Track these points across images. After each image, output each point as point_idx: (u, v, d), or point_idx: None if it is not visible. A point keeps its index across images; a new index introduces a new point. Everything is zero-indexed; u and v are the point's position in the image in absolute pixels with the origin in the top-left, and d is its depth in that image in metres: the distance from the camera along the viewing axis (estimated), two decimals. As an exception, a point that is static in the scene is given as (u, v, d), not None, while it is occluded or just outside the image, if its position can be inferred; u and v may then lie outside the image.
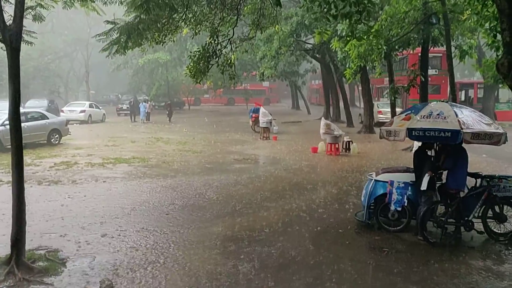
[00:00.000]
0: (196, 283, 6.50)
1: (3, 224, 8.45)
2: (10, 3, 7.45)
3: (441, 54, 28.85)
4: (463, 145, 8.13)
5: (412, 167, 8.78)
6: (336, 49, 19.59)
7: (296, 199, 11.54)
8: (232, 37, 12.73)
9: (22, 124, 7.55)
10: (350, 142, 19.77)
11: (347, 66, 19.42)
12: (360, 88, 32.87)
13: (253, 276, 6.73)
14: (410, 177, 8.70)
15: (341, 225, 9.31)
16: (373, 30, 15.54)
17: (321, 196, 11.87)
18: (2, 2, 7.11)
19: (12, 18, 7.01)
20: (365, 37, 14.36)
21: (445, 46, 19.10)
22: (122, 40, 10.66)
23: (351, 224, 9.37)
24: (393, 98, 22.60)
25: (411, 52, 24.18)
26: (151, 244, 8.10)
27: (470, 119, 8.10)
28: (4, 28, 6.92)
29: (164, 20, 11.25)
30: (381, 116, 29.63)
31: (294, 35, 27.91)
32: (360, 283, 6.59)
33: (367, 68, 25.83)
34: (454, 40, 19.82)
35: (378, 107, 31.43)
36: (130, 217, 9.76)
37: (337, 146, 19.19)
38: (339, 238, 8.60)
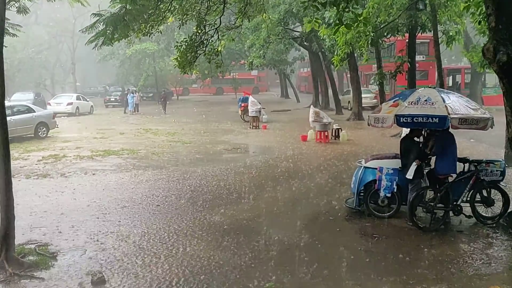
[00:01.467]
0: (191, 275, 6.49)
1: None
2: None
3: (428, 40, 28.93)
4: (451, 130, 8.19)
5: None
6: (324, 36, 19.57)
7: (287, 187, 11.58)
8: (219, 27, 12.66)
9: (8, 118, 7.46)
10: (340, 130, 19.83)
11: (335, 53, 19.40)
12: (349, 75, 32.95)
13: (246, 266, 6.76)
14: (399, 163, 8.75)
15: (332, 212, 9.36)
16: (361, 17, 15.51)
17: (312, 184, 11.91)
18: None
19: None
20: (354, 25, 14.31)
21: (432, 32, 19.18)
22: (108, 32, 10.51)
23: (341, 211, 9.43)
24: (378, 83, 22.69)
25: (399, 38, 24.24)
26: (143, 236, 8.08)
27: (457, 104, 8.16)
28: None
29: (150, 11, 11.13)
30: None
31: (282, 23, 27.77)
32: (351, 269, 6.64)
33: (355, 55, 25.84)
34: (442, 25, 19.87)
35: None
36: (121, 210, 9.73)
37: (326, 133, 19.24)
38: (330, 225, 8.65)
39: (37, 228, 8.45)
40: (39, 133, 21.30)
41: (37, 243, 7.68)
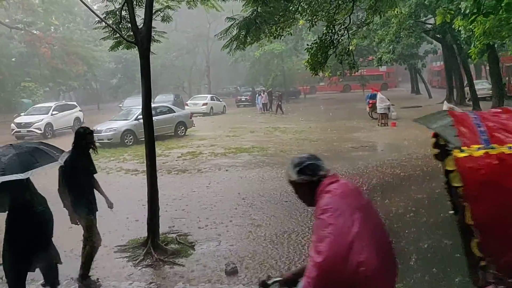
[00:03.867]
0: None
1: (140, 209, 9.13)
2: (141, 6, 8.13)
3: None
4: None
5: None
6: (459, 28, 18.36)
7: (419, 187, 11.10)
8: (348, 25, 12.54)
9: (153, 118, 8.21)
10: (477, 127, 18.47)
11: (472, 45, 18.10)
12: (487, 67, 30.57)
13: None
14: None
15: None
16: (503, 4, 14.25)
17: (444, 184, 11.29)
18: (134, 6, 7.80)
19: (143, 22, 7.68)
20: (493, 12, 13.21)
21: None
22: (241, 36, 10.96)
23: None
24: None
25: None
26: (274, 231, 8.31)
27: None
28: (137, 32, 7.60)
29: (280, 13, 11.40)
30: None
31: (413, 16, 26.64)
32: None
33: (496, 45, 23.84)
34: None
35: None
36: (254, 205, 10.13)
37: (462, 131, 18.05)
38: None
39: (177, 219, 9.19)
40: (178, 132, 23.07)
41: (177, 233, 8.35)
